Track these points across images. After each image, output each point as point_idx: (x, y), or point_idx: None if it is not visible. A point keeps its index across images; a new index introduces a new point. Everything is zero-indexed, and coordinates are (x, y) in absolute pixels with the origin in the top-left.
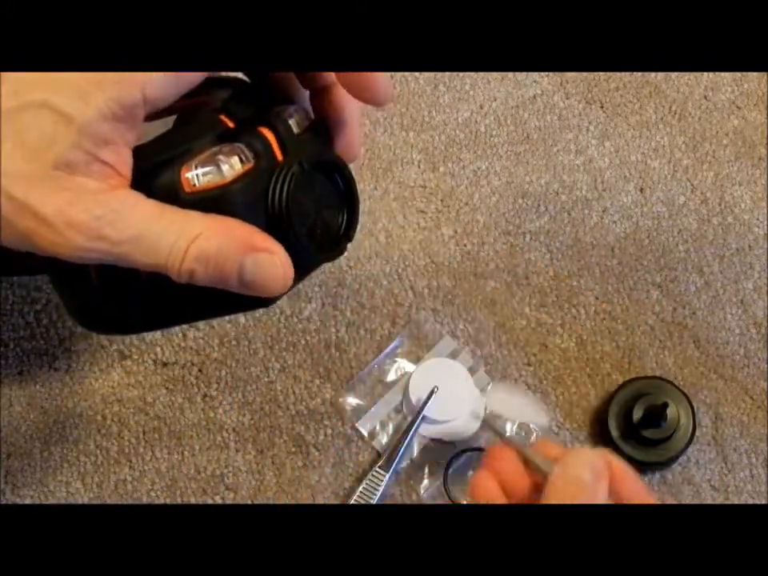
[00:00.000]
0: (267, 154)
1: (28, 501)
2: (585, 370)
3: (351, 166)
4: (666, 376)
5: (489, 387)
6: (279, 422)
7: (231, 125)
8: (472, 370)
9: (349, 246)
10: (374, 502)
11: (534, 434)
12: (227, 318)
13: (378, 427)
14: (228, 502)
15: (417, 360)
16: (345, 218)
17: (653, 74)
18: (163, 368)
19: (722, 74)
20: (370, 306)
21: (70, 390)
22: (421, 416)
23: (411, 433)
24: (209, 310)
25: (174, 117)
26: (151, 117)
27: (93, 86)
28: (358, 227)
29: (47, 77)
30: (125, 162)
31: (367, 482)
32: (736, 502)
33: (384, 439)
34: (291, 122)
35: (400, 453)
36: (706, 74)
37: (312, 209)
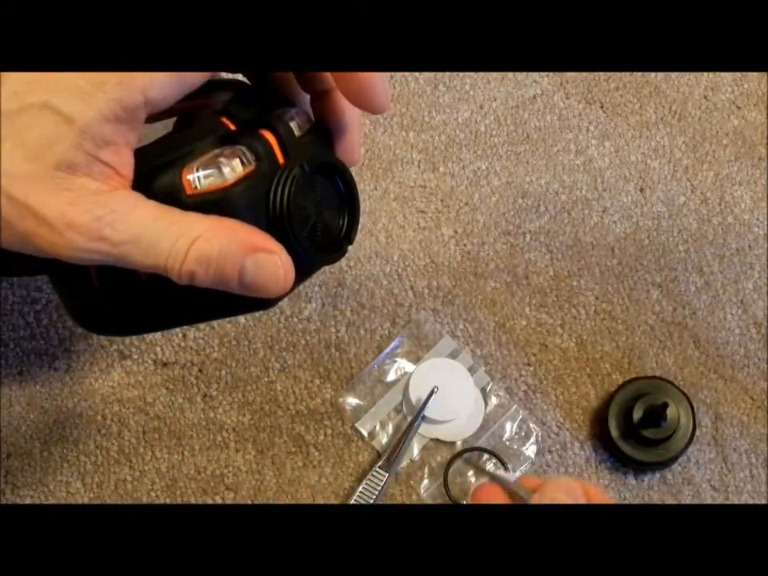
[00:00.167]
0: (268, 156)
1: (28, 501)
2: (585, 370)
3: (351, 168)
4: (666, 376)
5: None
6: (279, 422)
7: (233, 127)
8: (472, 370)
9: (349, 247)
10: (373, 502)
11: (534, 434)
12: (228, 318)
13: (377, 427)
14: (228, 502)
15: (417, 360)
16: (345, 220)
17: (653, 74)
18: (163, 368)
19: (722, 74)
20: (369, 306)
21: (70, 389)
22: (421, 416)
23: (411, 433)
24: (209, 311)
25: (175, 119)
26: (152, 118)
27: (94, 87)
28: (359, 227)
29: (48, 77)
30: (126, 163)
31: (367, 482)
32: (736, 502)
33: (384, 439)
34: (292, 124)
35: (400, 453)
36: (705, 74)
37: (313, 211)
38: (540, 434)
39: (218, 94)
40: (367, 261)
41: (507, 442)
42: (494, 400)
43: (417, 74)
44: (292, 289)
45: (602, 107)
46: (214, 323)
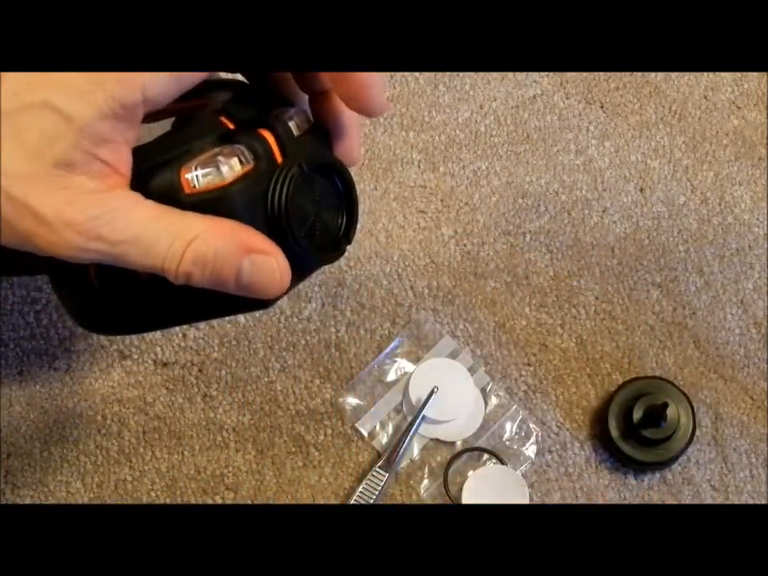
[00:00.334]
0: (267, 155)
1: (28, 501)
2: (585, 370)
3: (351, 167)
4: (666, 376)
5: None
6: (279, 422)
7: (231, 126)
8: (472, 370)
9: (348, 246)
10: (373, 502)
11: (534, 434)
12: (227, 317)
13: (377, 427)
14: (228, 502)
15: (417, 360)
16: (344, 219)
17: (653, 74)
18: (163, 368)
19: (722, 74)
20: (370, 306)
21: (70, 389)
22: (421, 416)
23: (411, 433)
24: (208, 310)
25: (173, 119)
26: (151, 118)
27: (93, 85)
28: (358, 227)
29: (47, 77)
30: (124, 162)
31: (367, 482)
32: (736, 502)
33: (384, 439)
34: (291, 124)
35: (400, 453)
36: (705, 74)
37: (311, 210)
38: (540, 433)
39: (216, 94)
40: (367, 261)
41: (507, 442)
42: (493, 400)
43: (417, 73)
44: (291, 288)
45: (601, 107)
46: (214, 323)
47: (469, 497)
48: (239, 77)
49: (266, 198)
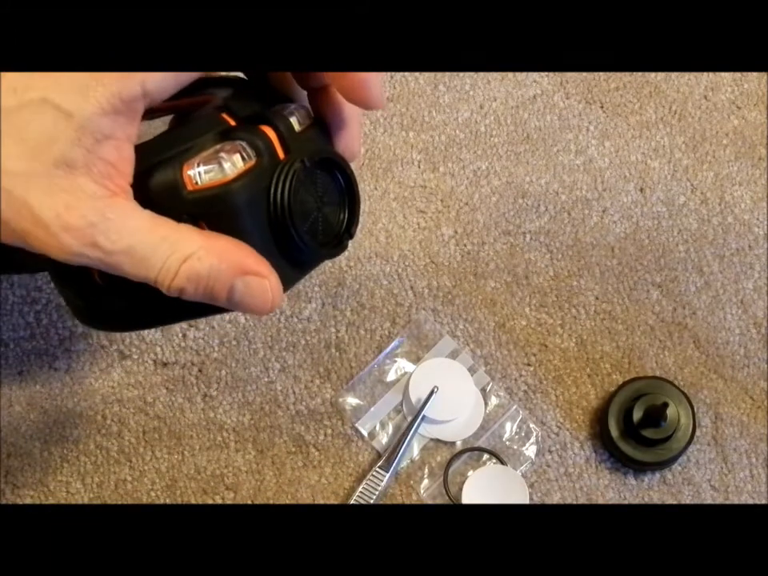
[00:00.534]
0: (269, 151)
1: (28, 501)
2: (585, 370)
3: (351, 163)
4: (666, 376)
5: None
6: (279, 422)
7: (232, 123)
8: (472, 370)
9: (349, 244)
10: (373, 501)
11: (534, 434)
12: (227, 318)
13: (377, 427)
14: (228, 502)
15: (417, 360)
16: (346, 214)
17: (653, 74)
18: (163, 368)
19: (722, 74)
20: (370, 306)
21: (70, 389)
22: (421, 416)
23: (411, 433)
24: (211, 308)
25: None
26: (151, 115)
27: (92, 81)
28: (359, 227)
29: (46, 74)
30: (126, 159)
31: (367, 482)
32: (736, 502)
33: (384, 439)
34: (292, 119)
35: (400, 453)
36: (705, 74)
37: (314, 206)
38: (540, 434)
39: (217, 91)
40: (367, 261)
41: (507, 442)
42: (493, 400)
43: (417, 73)
44: (294, 283)
45: (601, 107)
46: (214, 323)
47: (469, 497)
48: (239, 73)
49: (268, 193)
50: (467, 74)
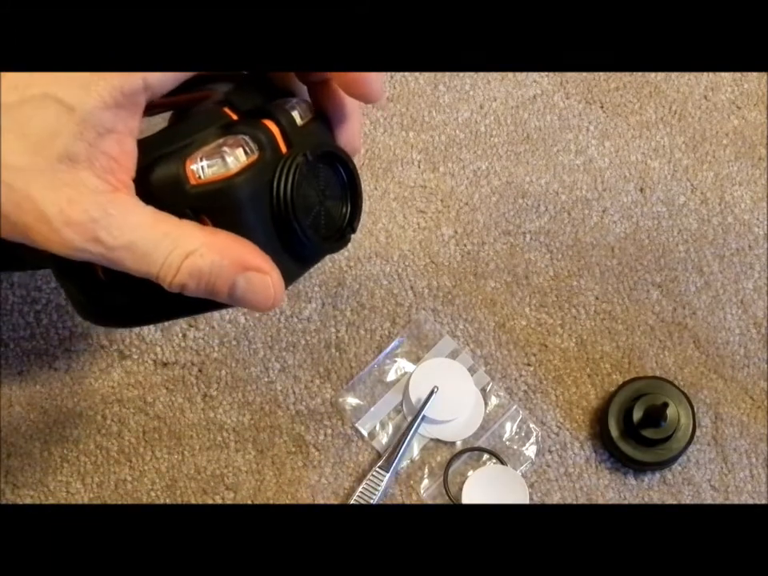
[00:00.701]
0: (271, 145)
1: (28, 501)
2: (585, 370)
3: (353, 156)
4: (666, 376)
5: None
6: (279, 422)
7: (234, 117)
8: (472, 370)
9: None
10: (373, 501)
11: (534, 434)
12: (227, 317)
13: (377, 427)
14: (228, 502)
15: (417, 360)
16: (348, 208)
17: (653, 74)
18: (163, 368)
19: (722, 74)
20: (370, 306)
21: (70, 389)
22: (421, 416)
23: (411, 433)
24: (214, 304)
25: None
26: (152, 110)
27: (94, 75)
28: (359, 227)
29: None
30: (128, 153)
31: (367, 482)
32: (736, 502)
33: (384, 439)
34: (294, 113)
35: (400, 453)
36: (705, 73)
37: (316, 200)
38: (540, 434)
39: (217, 86)
40: (367, 261)
41: (507, 442)
42: (493, 400)
43: (417, 73)
44: (296, 278)
45: (601, 107)
46: (214, 323)
47: (469, 497)
48: None
49: (271, 187)
50: (467, 74)
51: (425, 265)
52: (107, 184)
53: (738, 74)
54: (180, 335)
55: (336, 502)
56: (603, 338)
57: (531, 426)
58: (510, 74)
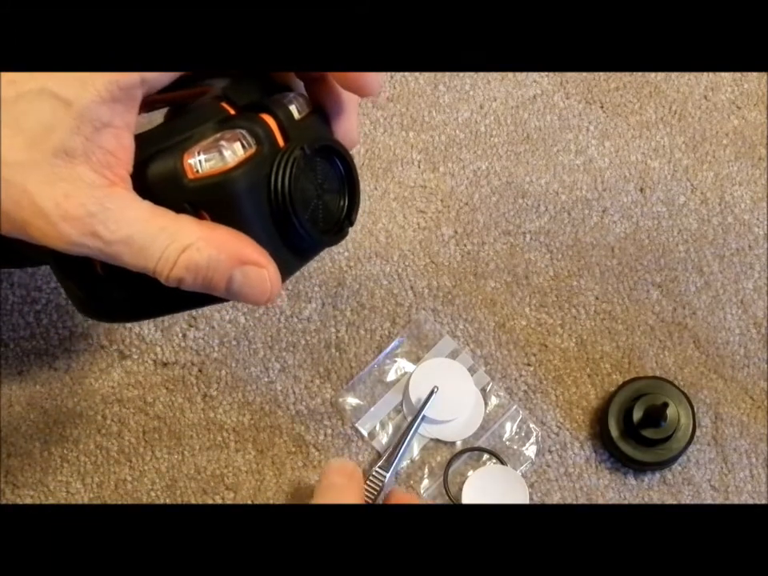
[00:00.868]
0: (269, 139)
1: (28, 501)
2: (585, 370)
3: (351, 150)
4: (666, 376)
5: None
6: (279, 422)
7: (232, 111)
8: (472, 370)
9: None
10: (373, 502)
11: (534, 434)
12: (227, 317)
13: (377, 427)
14: (228, 501)
15: (417, 360)
16: (346, 201)
17: (653, 74)
18: (163, 368)
19: (722, 74)
20: (370, 306)
21: (69, 389)
22: (421, 416)
23: (411, 433)
24: (211, 298)
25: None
26: (150, 107)
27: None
28: (358, 227)
29: None
30: (126, 148)
31: (367, 482)
32: (736, 502)
33: (384, 439)
34: (292, 108)
35: (400, 453)
36: (705, 74)
37: (314, 193)
38: (540, 434)
39: (214, 81)
40: (367, 261)
41: (507, 442)
42: (493, 400)
43: (417, 73)
44: (294, 272)
45: (601, 107)
46: (214, 323)
47: (469, 497)
48: None
49: (268, 181)
50: (467, 74)
51: (425, 265)
52: (104, 178)
53: (737, 74)
54: (180, 335)
55: None
56: (603, 338)
57: (531, 425)
58: (510, 74)
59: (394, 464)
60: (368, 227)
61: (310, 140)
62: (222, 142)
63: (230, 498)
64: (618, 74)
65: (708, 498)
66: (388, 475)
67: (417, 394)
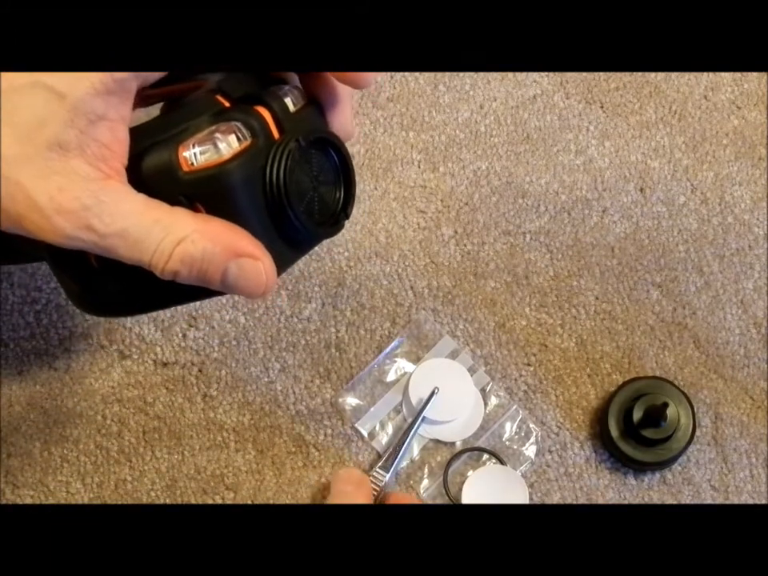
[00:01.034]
0: (264, 131)
1: (28, 501)
2: (585, 370)
3: (347, 143)
4: (666, 376)
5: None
6: (279, 422)
7: (227, 104)
8: (472, 370)
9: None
10: (373, 502)
11: (534, 434)
12: (227, 317)
13: (377, 427)
14: (228, 501)
15: (417, 360)
16: (342, 194)
17: (653, 74)
18: (163, 368)
19: (722, 74)
20: (370, 306)
21: (69, 389)
22: (421, 416)
23: (411, 433)
24: (206, 292)
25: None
26: (146, 101)
27: None
28: (358, 228)
29: None
30: (120, 141)
31: None
32: (736, 502)
33: (384, 439)
34: (287, 100)
35: (400, 453)
36: (705, 74)
37: (309, 185)
38: (540, 434)
39: (209, 75)
40: (367, 261)
41: (507, 442)
42: (493, 400)
43: (417, 73)
44: (290, 264)
45: (601, 107)
46: (214, 323)
47: (469, 497)
48: None
49: (264, 173)
50: (467, 74)
51: (425, 265)
52: (99, 171)
53: (738, 74)
54: (180, 335)
55: None
56: (603, 338)
57: (531, 426)
58: (510, 74)
59: (394, 464)
60: (368, 227)
61: (305, 132)
62: (217, 135)
63: (230, 498)
64: (618, 74)
65: (708, 498)
66: (388, 475)
67: (417, 394)
